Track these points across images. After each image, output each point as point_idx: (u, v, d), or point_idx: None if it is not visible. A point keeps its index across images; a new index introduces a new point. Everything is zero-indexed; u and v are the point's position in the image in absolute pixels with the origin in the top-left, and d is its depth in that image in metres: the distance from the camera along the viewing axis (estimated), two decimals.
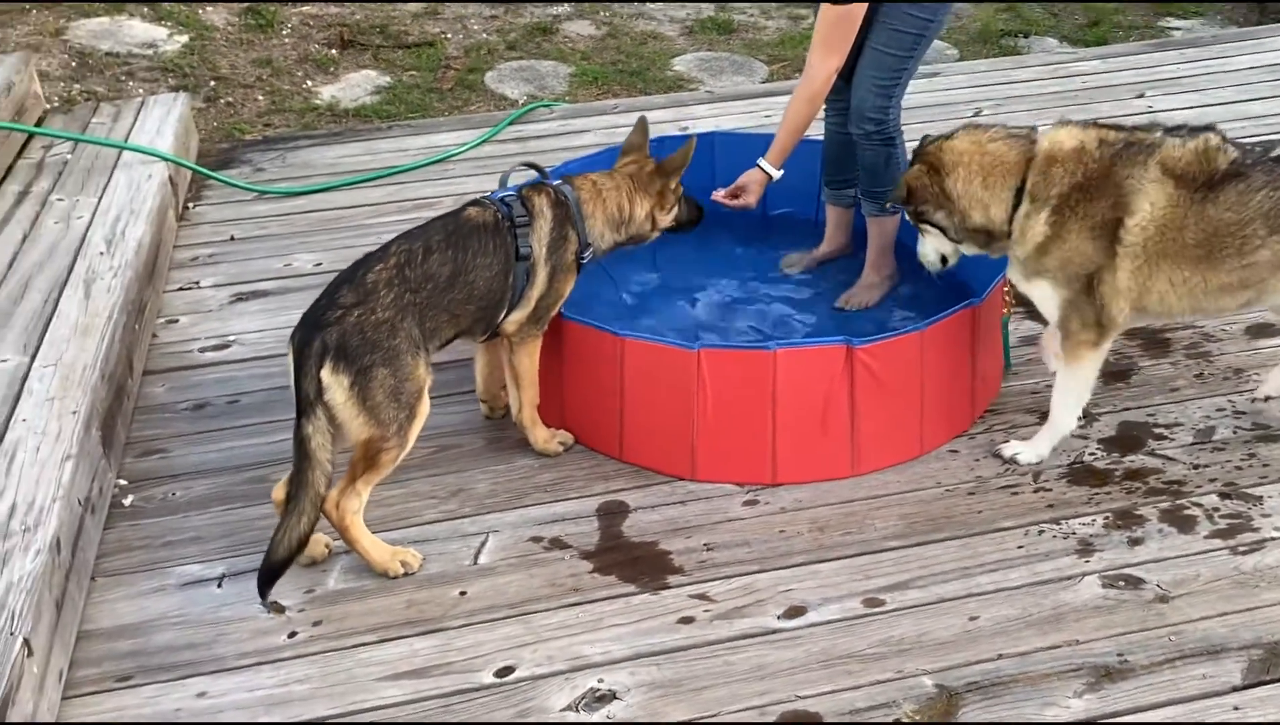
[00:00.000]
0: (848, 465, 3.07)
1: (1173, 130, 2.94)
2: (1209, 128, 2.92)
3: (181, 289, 4.17)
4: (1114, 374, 3.49)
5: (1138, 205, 2.82)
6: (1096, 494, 3.01)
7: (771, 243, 4.22)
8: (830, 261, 4.10)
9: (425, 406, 2.80)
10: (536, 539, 2.91)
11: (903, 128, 3.78)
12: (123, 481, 3.16)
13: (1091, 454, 3.17)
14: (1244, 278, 2.86)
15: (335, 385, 2.66)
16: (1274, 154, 2.88)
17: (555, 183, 3.17)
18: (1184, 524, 2.90)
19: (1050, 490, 3.03)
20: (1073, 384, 3.04)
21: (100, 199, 4.24)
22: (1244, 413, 3.29)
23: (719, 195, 3.75)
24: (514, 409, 3.16)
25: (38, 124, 4.97)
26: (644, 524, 2.95)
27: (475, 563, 2.84)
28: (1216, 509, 2.95)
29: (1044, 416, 3.29)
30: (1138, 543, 2.84)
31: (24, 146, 4.71)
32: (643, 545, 2.89)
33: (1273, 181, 2.83)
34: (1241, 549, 2.81)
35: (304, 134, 5.56)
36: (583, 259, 3.13)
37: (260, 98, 5.95)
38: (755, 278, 4.07)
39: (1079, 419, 3.12)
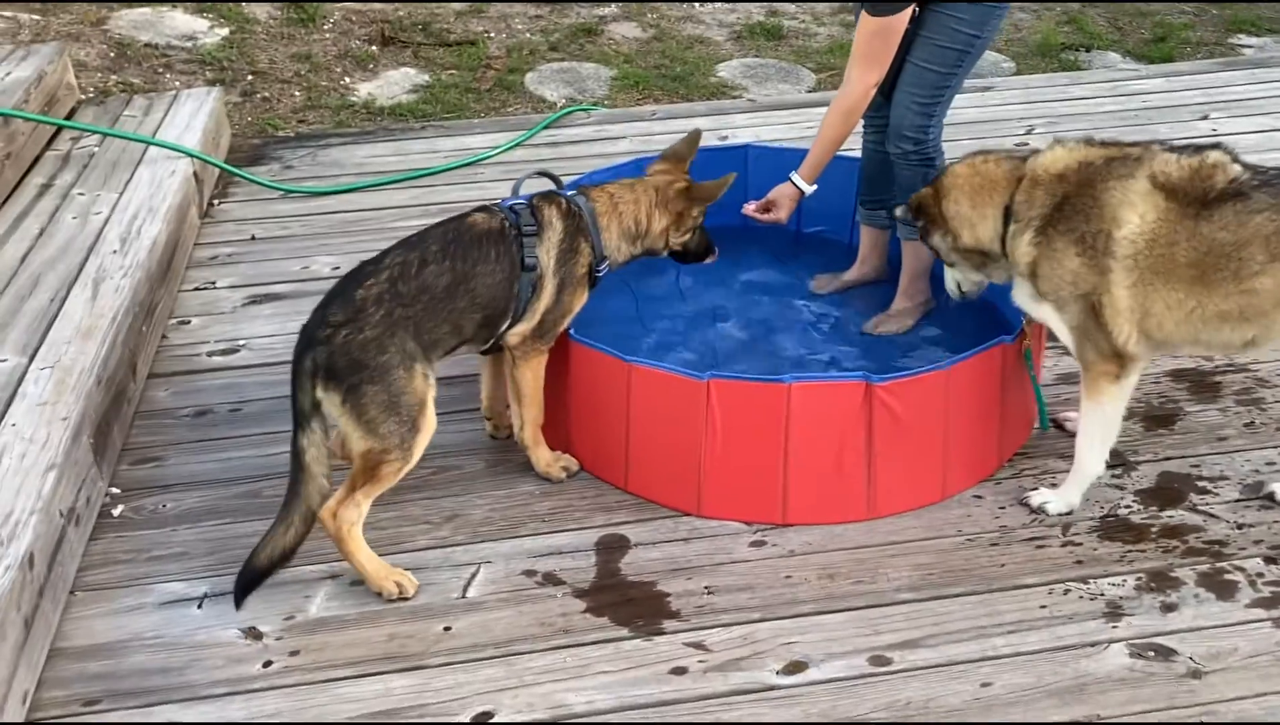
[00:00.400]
0: (863, 508, 2.90)
1: (1176, 148, 2.80)
2: (1216, 146, 2.78)
3: (197, 289, 4.10)
4: (1157, 419, 3.28)
5: (1125, 217, 2.70)
6: (1130, 552, 2.81)
7: (802, 262, 4.05)
8: (862, 285, 3.92)
9: (429, 419, 2.69)
10: (530, 573, 2.78)
11: (944, 147, 3.60)
12: (115, 489, 3.08)
13: (1127, 507, 2.96)
14: (1243, 306, 2.68)
15: (328, 401, 2.63)
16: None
17: (570, 194, 3.04)
18: (1223, 590, 2.69)
19: (1080, 545, 2.84)
20: (1097, 423, 2.86)
21: (121, 195, 4.18)
22: None
23: (749, 209, 3.61)
24: (516, 427, 3.04)
25: (70, 115, 4.94)
26: (643, 562, 2.81)
27: (464, 595, 2.72)
28: (1260, 575, 2.73)
29: None
30: (1171, 609, 2.64)
31: (52, 138, 4.68)
32: (640, 585, 2.74)
33: (1277, 204, 2.64)
34: None
35: (336, 132, 5.48)
36: (598, 272, 3.01)
37: (297, 93, 5.89)
38: (783, 297, 3.90)
39: (1109, 466, 2.93)
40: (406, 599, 2.68)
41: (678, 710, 2.41)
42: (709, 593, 2.71)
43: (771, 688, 2.46)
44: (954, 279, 3.15)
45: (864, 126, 3.78)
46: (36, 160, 4.49)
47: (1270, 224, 2.63)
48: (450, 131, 5.39)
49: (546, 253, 2.88)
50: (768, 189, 4.25)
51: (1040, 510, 2.93)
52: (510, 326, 2.89)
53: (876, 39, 3.34)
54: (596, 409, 3.01)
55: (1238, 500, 2.97)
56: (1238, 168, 2.72)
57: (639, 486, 3.00)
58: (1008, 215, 2.87)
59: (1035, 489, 2.98)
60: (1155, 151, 2.78)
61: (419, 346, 2.68)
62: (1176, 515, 2.93)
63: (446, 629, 2.62)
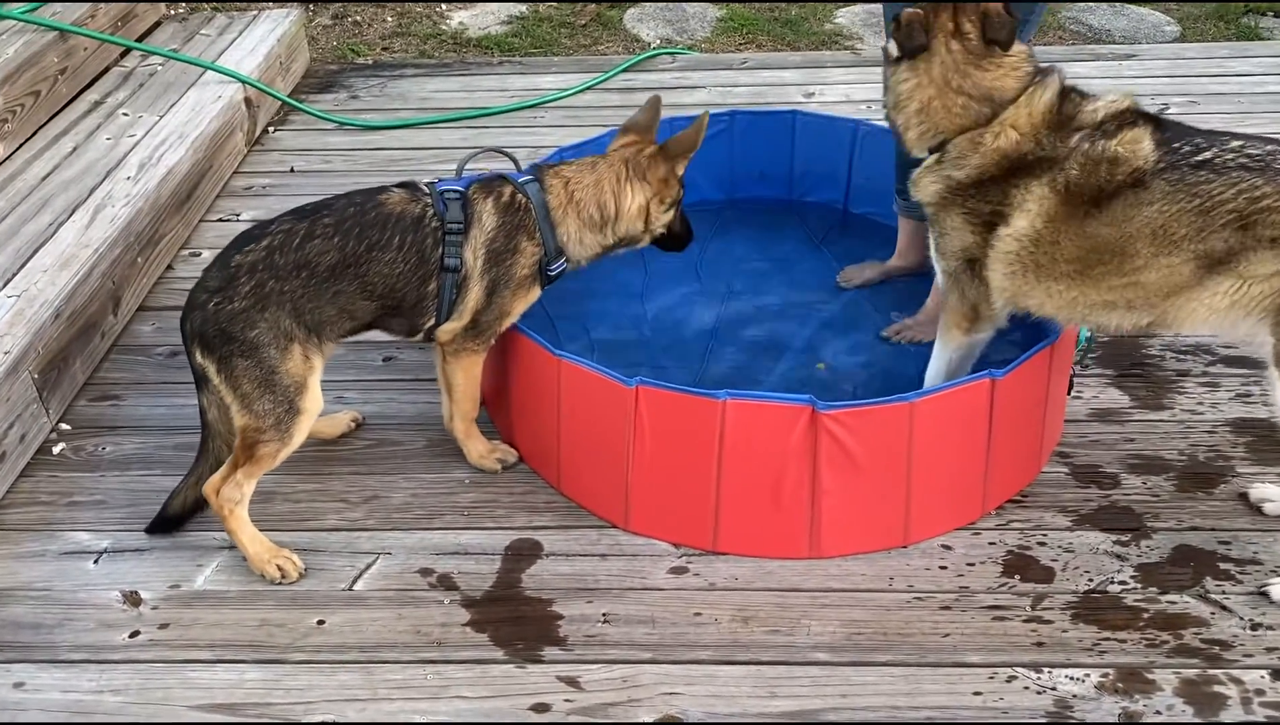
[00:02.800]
0: (805, 545, 2.57)
1: (1101, 123, 2.45)
2: (1136, 120, 2.44)
3: (221, 220, 4.05)
4: (1195, 479, 2.78)
5: (1015, 218, 2.49)
6: (1106, 639, 2.38)
7: (842, 248, 3.65)
8: (897, 278, 3.50)
9: (311, 401, 2.52)
10: (426, 572, 2.59)
11: None
12: (66, 426, 3.06)
13: (1122, 583, 2.52)
14: (1129, 298, 2.46)
15: (208, 369, 2.50)
16: (1209, 147, 2.37)
17: (522, 179, 2.70)
18: (1206, 704, 2.24)
19: (1049, 623, 2.42)
20: (939, 364, 2.79)
21: (161, 118, 4.16)
22: None
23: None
24: (445, 417, 2.83)
25: (152, 29, 4.97)
26: (548, 575, 2.57)
27: (350, 588, 2.56)
28: (1260, 693, 2.26)
29: (1080, 519, 2.68)
30: (1132, 718, 2.21)
31: (123, 54, 4.71)
32: (535, 602, 2.51)
33: (1173, 194, 2.33)
34: None
35: (414, 62, 5.34)
36: (551, 271, 2.69)
37: (389, 19, 5.76)
38: (805, 285, 3.53)
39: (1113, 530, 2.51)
40: (289, 583, 2.54)
41: None
42: (605, 621, 2.45)
43: None
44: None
45: None
46: (100, 75, 4.52)
47: (1160, 216, 2.36)
48: (526, 69, 5.15)
49: (473, 253, 2.58)
50: (814, 162, 3.87)
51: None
52: (437, 323, 2.65)
53: None
54: (533, 401, 2.77)
55: (1262, 593, 2.48)
56: (1147, 147, 2.39)
57: (571, 489, 2.76)
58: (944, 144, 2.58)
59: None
60: (1076, 146, 2.43)
61: (298, 324, 2.47)
62: (1179, 601, 2.47)
63: (320, 623, 2.47)
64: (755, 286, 3.51)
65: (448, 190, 2.62)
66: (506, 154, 2.94)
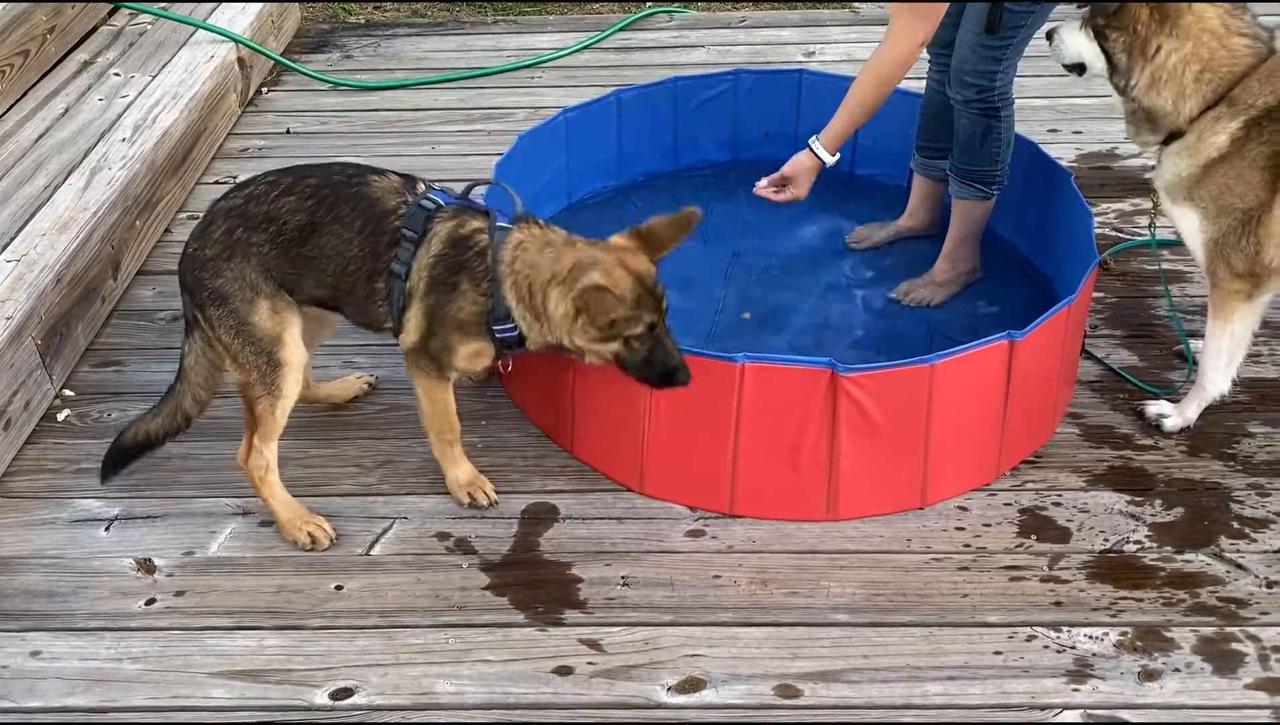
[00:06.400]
0: (822, 508, 2.57)
1: None
2: None
3: (217, 182, 3.99)
4: (1207, 438, 2.79)
5: None
6: (1123, 599, 2.40)
7: (849, 209, 3.63)
8: (906, 240, 3.49)
9: (291, 354, 2.45)
10: (444, 536, 2.58)
11: (1014, 96, 3.11)
12: (69, 392, 3.02)
13: (1138, 542, 2.53)
14: None
15: (195, 313, 2.48)
16: None
17: (499, 221, 2.40)
18: (1224, 662, 2.26)
19: (1066, 583, 2.44)
20: (1224, 342, 2.68)
21: (153, 79, 4.08)
22: None
23: (761, 187, 3.10)
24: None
25: None
26: (566, 538, 2.56)
27: (368, 553, 2.54)
28: (1276, 649, 2.28)
29: (1094, 479, 2.69)
30: (1152, 677, 2.23)
31: (112, 12, 4.60)
32: (554, 565, 2.51)
33: None
34: None
35: (407, 21, 5.26)
36: (498, 332, 2.37)
37: None
38: (813, 247, 3.51)
39: (1126, 491, 2.53)
40: (321, 549, 2.52)
41: (547, 715, 2.19)
42: (625, 584, 2.45)
43: (657, 705, 2.20)
44: (1078, 54, 2.66)
45: (929, 62, 3.31)
46: (89, 34, 4.42)
47: None
48: (521, 29, 5.08)
49: (417, 271, 2.38)
50: (820, 122, 3.82)
51: (1156, 423, 2.79)
52: (394, 328, 2.47)
53: None
54: (546, 365, 2.75)
55: (1278, 552, 2.50)
56: None
57: (584, 453, 2.74)
58: (1220, 98, 2.49)
59: (1155, 400, 2.84)
60: None
61: (265, 278, 2.40)
62: (1195, 560, 2.49)
63: (338, 588, 2.46)
64: (761, 249, 3.49)
65: (430, 200, 2.43)
66: (505, 188, 2.56)
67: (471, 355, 2.45)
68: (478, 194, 2.59)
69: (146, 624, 2.39)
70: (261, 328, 2.41)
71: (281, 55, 4.76)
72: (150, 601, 2.44)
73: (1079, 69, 2.71)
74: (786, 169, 3.04)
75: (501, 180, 2.72)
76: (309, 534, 2.54)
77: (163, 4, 4.57)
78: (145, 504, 2.67)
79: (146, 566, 2.51)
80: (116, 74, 4.11)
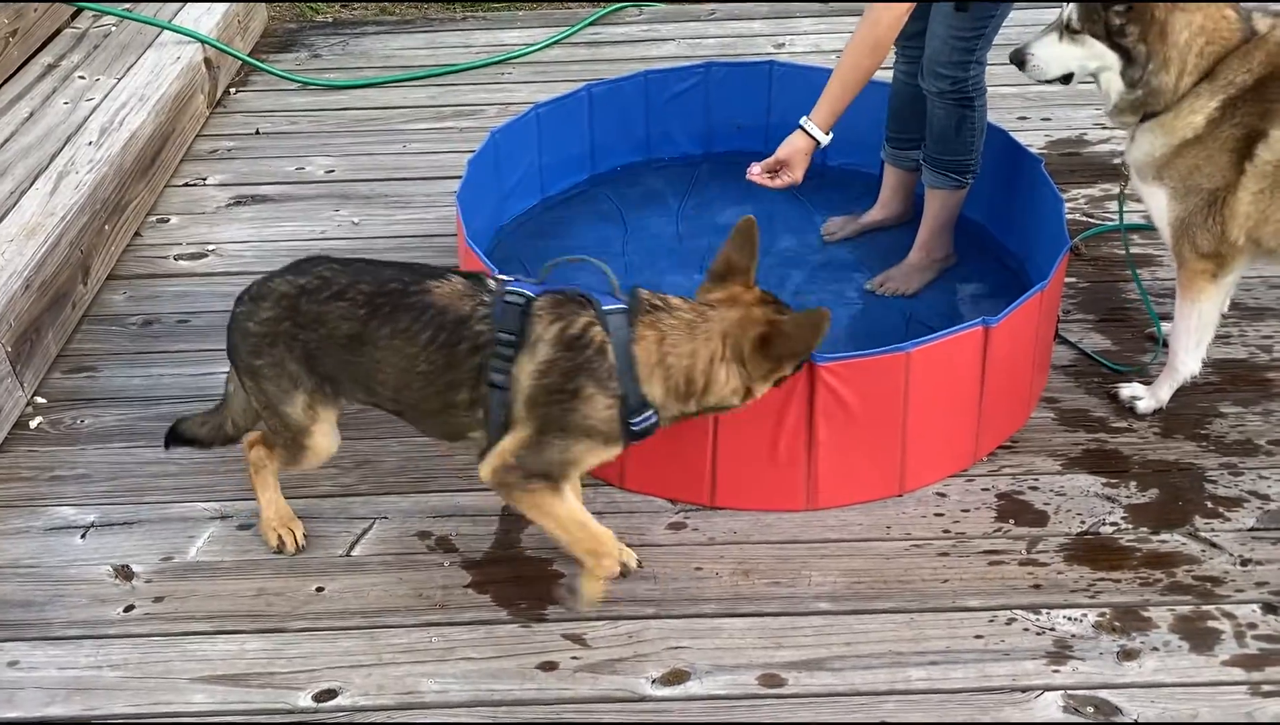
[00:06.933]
0: (801, 498, 2.58)
1: None
2: None
3: (187, 185, 3.96)
4: (1180, 419, 2.83)
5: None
6: (1101, 580, 2.42)
7: (821, 200, 3.64)
8: (879, 230, 3.51)
9: (318, 443, 2.37)
10: (424, 534, 2.57)
11: (987, 86, 3.12)
12: (41, 399, 2.99)
13: (1113, 523, 2.56)
14: None
15: (235, 363, 2.42)
16: None
17: (607, 307, 2.19)
18: (1201, 640, 2.29)
19: (1044, 565, 2.46)
20: (1192, 323, 2.72)
21: (119, 81, 4.04)
22: None
23: (755, 173, 3.06)
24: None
25: None
26: (547, 535, 2.56)
27: (348, 554, 2.53)
28: (1252, 626, 2.31)
29: (1070, 463, 2.71)
30: (1130, 656, 2.26)
31: (75, 15, 4.55)
32: (535, 562, 2.51)
33: None
34: (1266, 689, 2.19)
35: (375, 20, 5.23)
36: (635, 426, 2.20)
37: None
38: (785, 239, 3.52)
39: (1101, 473, 2.54)
40: (286, 554, 2.51)
41: (532, 711, 2.19)
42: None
43: (641, 698, 2.21)
44: (1065, 68, 2.69)
45: (895, 54, 3.32)
46: (52, 37, 4.37)
47: None
48: (490, 25, 5.07)
49: (523, 379, 2.16)
50: (791, 113, 3.82)
51: (1129, 405, 2.83)
52: (485, 446, 2.26)
53: None
54: None
55: (1251, 530, 2.53)
56: None
57: None
58: (1205, 75, 2.54)
59: (1127, 382, 2.88)
60: None
61: (307, 373, 2.28)
62: (1170, 540, 2.52)
63: (319, 590, 2.45)
64: None
65: (513, 292, 2.20)
66: (596, 264, 2.42)
67: (593, 460, 2.25)
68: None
69: (125, 631, 2.37)
70: (293, 417, 2.32)
71: (249, 55, 4.74)
72: (129, 608, 2.42)
73: (1065, 80, 2.71)
74: (780, 153, 3.03)
75: (566, 258, 2.53)
76: (278, 536, 2.53)
77: (127, 5, 4.53)
78: (122, 510, 2.65)
79: (124, 573, 2.49)
80: (81, 77, 4.07)
